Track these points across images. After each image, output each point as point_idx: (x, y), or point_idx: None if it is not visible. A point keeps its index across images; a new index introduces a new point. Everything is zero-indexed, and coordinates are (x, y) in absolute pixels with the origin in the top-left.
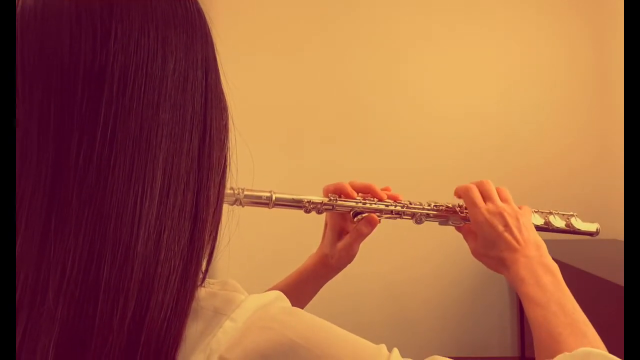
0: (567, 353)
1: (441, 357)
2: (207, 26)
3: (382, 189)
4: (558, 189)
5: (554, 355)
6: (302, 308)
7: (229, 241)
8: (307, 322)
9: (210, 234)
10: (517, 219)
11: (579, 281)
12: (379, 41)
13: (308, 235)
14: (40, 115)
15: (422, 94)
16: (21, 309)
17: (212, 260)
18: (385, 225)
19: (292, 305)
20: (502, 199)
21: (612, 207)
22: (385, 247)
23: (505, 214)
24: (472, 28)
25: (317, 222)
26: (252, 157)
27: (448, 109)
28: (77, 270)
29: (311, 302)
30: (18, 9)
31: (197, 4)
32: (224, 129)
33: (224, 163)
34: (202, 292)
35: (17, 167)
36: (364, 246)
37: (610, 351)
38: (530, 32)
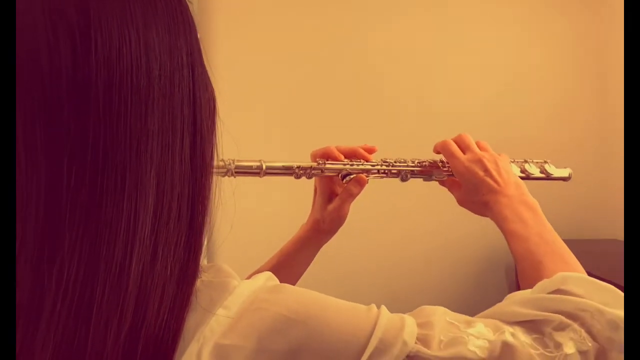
0: (546, 279)
1: (428, 307)
2: (189, 13)
3: (369, 148)
4: (557, 188)
5: (536, 283)
6: (299, 277)
7: (227, 234)
8: (296, 296)
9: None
10: (496, 163)
11: None
12: (378, 35)
13: (301, 213)
14: (25, 136)
15: (419, 88)
16: (16, 330)
17: (204, 251)
18: (379, 210)
19: (289, 276)
20: (481, 148)
21: (612, 207)
22: (380, 233)
23: (484, 160)
24: (470, 25)
25: (308, 198)
26: (238, 147)
27: (448, 108)
28: (72, 292)
29: (304, 285)
30: None
31: None
32: (212, 119)
33: (212, 154)
34: (197, 283)
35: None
36: (357, 230)
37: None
38: (530, 27)
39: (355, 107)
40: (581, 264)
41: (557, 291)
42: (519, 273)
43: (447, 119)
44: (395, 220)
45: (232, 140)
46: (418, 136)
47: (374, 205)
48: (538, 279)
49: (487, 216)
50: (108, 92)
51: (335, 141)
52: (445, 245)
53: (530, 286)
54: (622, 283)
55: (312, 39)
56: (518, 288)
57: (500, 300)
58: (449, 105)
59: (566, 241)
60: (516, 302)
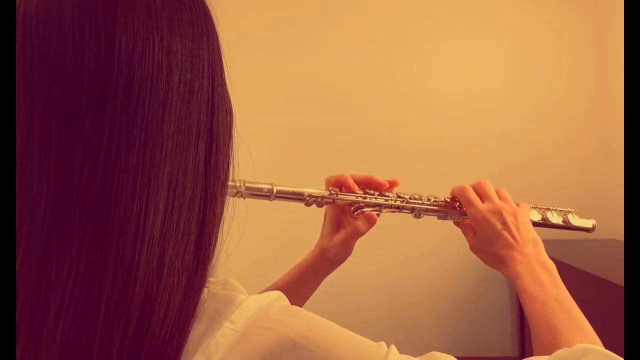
0: (566, 348)
1: (439, 353)
2: (214, 26)
3: (392, 181)
4: (556, 188)
5: (552, 350)
6: (303, 304)
7: (235, 245)
8: (306, 321)
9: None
10: (516, 217)
11: (579, 281)
12: (379, 38)
13: (309, 231)
14: (41, 129)
15: (422, 88)
16: (21, 329)
17: (213, 262)
18: (384, 224)
19: (293, 302)
20: (501, 198)
21: (611, 206)
22: (385, 246)
23: (504, 212)
24: (470, 23)
25: (318, 219)
26: (252, 155)
27: (447, 102)
28: (79, 291)
29: (310, 300)
30: (19, 16)
31: (203, 4)
32: (228, 131)
33: (227, 167)
34: (204, 293)
35: (16, 182)
36: (364, 244)
37: (610, 351)
38: (529, 27)
39: (356, 107)
40: (581, 264)
41: None
42: (533, 335)
43: (449, 117)
44: (400, 233)
45: (246, 149)
46: (421, 131)
47: (379, 220)
48: (554, 345)
49: (500, 270)
50: (127, 92)
51: (347, 146)
52: (448, 255)
53: (545, 351)
54: (622, 283)
55: (312, 35)
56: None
57: (500, 308)
58: (450, 101)
59: (566, 241)
60: None
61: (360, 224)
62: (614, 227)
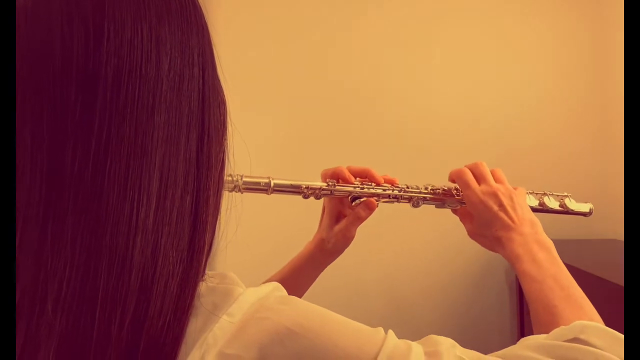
0: (563, 326)
1: (437, 336)
2: (203, 18)
3: (389, 180)
4: (556, 188)
5: (551, 328)
6: (301, 296)
7: (231, 237)
8: (302, 309)
9: (210, 232)
10: (511, 198)
11: (579, 281)
12: (379, 34)
13: (308, 224)
14: (33, 122)
15: (422, 84)
16: (20, 321)
17: (211, 254)
18: (382, 216)
19: (291, 294)
20: (497, 180)
21: (611, 207)
22: (383, 239)
23: (500, 194)
24: (470, 21)
25: (317, 211)
26: (249, 150)
27: (446, 100)
28: (75, 281)
29: (308, 293)
30: None
31: None
32: (222, 124)
33: (222, 158)
34: (202, 287)
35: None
36: (362, 238)
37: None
38: (530, 27)
39: (353, 100)
40: (581, 264)
41: (575, 340)
42: (532, 315)
43: (447, 115)
44: (398, 225)
45: (242, 140)
46: (418, 122)
47: (377, 213)
48: (552, 323)
49: (499, 252)
50: (116, 82)
51: (343, 142)
52: (446, 248)
53: (544, 330)
54: (622, 283)
55: (322, 40)
56: (518, 290)
57: (499, 301)
58: (449, 99)
59: (566, 241)
60: (530, 346)
61: (360, 210)
62: (614, 227)
